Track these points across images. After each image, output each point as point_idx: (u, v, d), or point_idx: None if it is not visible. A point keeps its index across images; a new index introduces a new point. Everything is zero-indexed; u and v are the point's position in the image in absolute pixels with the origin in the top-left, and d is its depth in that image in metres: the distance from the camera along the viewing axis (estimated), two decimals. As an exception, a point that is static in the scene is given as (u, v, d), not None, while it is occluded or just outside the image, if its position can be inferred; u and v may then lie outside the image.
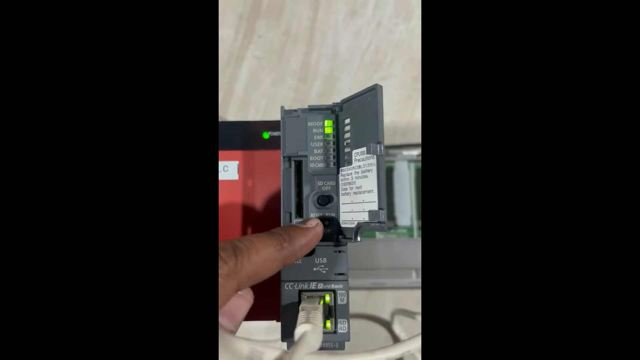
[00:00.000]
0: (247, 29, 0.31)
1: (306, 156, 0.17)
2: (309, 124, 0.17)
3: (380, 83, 0.32)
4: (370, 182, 0.15)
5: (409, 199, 0.27)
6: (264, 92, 0.31)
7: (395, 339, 0.28)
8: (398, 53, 0.30)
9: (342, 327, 0.15)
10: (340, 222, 0.16)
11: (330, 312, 0.16)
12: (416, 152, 0.28)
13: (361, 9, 0.31)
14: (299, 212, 0.17)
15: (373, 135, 0.15)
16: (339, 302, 0.16)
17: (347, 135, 0.16)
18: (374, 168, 0.15)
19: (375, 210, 0.14)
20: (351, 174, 0.16)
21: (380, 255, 0.28)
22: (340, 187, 0.16)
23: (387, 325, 0.28)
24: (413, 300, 0.28)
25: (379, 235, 0.28)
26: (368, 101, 0.15)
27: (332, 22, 0.31)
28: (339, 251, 0.16)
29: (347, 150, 0.16)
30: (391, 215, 0.28)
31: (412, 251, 0.28)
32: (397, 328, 0.27)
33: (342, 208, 0.16)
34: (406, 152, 0.28)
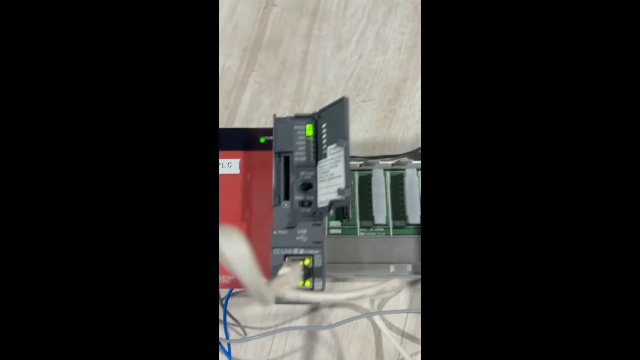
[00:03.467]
0: (250, 59, 0.37)
1: (292, 152, 0.21)
2: (295, 127, 0.22)
3: (360, 105, 0.37)
4: (339, 169, 0.19)
5: (384, 201, 0.32)
6: (263, 111, 0.36)
7: (373, 322, 0.31)
8: (376, 80, 0.36)
9: (317, 285, 0.20)
10: (318, 202, 0.21)
11: (309, 273, 0.20)
12: (391, 162, 0.33)
13: (345, 44, 0.37)
14: (287, 196, 0.21)
15: (341, 133, 0.19)
16: (315, 264, 0.20)
17: (324, 136, 0.21)
18: (342, 158, 0.19)
19: (342, 188, 0.19)
20: (326, 164, 0.20)
21: (362, 251, 0.32)
22: (318, 176, 0.21)
23: (367, 311, 0.31)
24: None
25: (360, 232, 0.32)
26: (338, 109, 0.20)
27: (321, 55, 0.37)
28: (317, 224, 0.20)
29: (324, 147, 0.21)
30: (369, 215, 0.32)
31: (389, 247, 0.32)
32: (376, 317, 0.31)
33: (319, 192, 0.21)
34: (382, 162, 0.33)
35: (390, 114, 0.35)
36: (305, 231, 0.20)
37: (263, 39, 0.37)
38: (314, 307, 0.31)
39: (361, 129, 0.35)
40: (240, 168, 0.24)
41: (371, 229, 0.33)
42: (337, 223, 0.33)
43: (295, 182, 0.21)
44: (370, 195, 0.32)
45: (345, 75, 0.36)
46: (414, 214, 0.31)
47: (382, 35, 0.37)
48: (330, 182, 0.20)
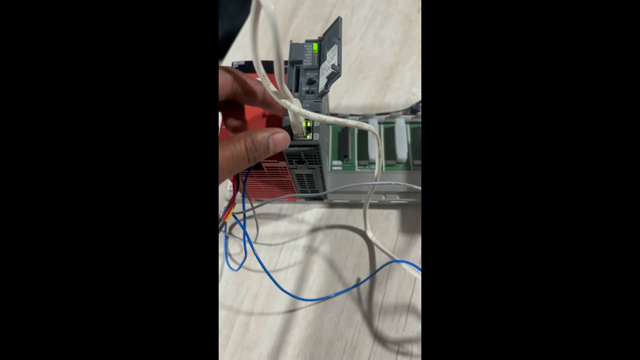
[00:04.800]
0: (276, 52, 0.47)
1: (302, 61, 0.30)
2: (305, 46, 0.30)
3: (362, 81, 0.46)
4: (335, 59, 0.27)
5: (377, 145, 0.38)
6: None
7: (368, 240, 0.36)
8: (374, 64, 0.45)
9: (315, 136, 0.26)
10: (319, 89, 0.28)
11: (309, 130, 0.27)
12: (384, 117, 0.40)
13: (351, 41, 0.47)
14: (297, 88, 0.29)
15: (335, 35, 0.28)
16: (314, 125, 0.27)
17: (325, 49, 0.29)
18: (336, 51, 0.27)
19: (335, 64, 0.26)
20: (326, 63, 0.28)
21: (359, 182, 0.38)
22: (320, 73, 0.29)
23: (362, 233, 0.36)
24: (382, 216, 0.37)
25: (357, 169, 0.39)
26: (335, 26, 0.29)
27: (331, 48, 0.47)
28: (317, 101, 0.28)
29: (324, 56, 0.29)
30: (365, 155, 0.39)
31: (381, 179, 0.38)
32: (369, 233, 0.35)
33: (320, 82, 0.28)
34: (377, 117, 0.40)
35: (385, 86, 0.43)
36: (309, 105, 0.27)
37: (287, 38, 0.48)
38: (315, 228, 0.36)
39: (361, 97, 0.43)
40: (264, 82, 0.32)
41: (367, 166, 0.39)
42: (339, 162, 0.39)
43: (303, 80, 0.29)
44: (367, 140, 0.39)
45: (349, 62, 0.46)
46: (402, 151, 0.38)
47: (379, 35, 0.47)
48: (328, 71, 0.28)
